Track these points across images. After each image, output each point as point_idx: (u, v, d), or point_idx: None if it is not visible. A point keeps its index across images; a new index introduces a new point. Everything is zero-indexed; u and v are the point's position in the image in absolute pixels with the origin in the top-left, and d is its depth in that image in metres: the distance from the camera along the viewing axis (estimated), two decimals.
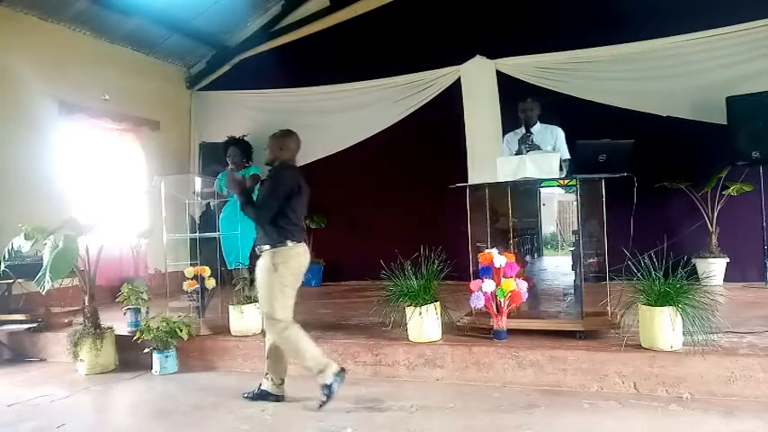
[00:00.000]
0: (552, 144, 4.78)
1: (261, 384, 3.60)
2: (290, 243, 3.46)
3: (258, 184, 5.87)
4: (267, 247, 3.47)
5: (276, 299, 3.42)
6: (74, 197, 6.41)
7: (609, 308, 3.81)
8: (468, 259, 4.07)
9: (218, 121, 7.96)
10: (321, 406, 3.32)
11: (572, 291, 4.49)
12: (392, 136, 7.26)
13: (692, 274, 3.95)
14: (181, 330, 4.27)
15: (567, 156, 4.58)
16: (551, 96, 6.14)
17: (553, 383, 3.51)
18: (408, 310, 3.94)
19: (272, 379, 3.58)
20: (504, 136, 6.58)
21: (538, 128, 4.90)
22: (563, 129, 4.96)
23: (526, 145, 4.72)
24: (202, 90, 8.42)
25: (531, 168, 3.93)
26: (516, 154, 4.61)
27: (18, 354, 5.00)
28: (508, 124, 6.57)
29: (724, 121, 5.72)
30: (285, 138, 3.69)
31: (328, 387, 3.31)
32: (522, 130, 4.94)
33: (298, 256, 3.51)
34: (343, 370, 3.40)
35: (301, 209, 3.60)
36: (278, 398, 3.55)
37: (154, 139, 7.67)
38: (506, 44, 6.71)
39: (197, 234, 4.87)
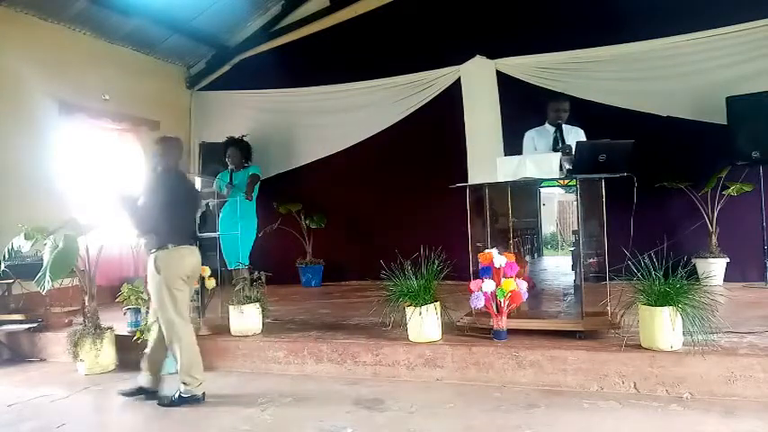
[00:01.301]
0: None
1: (138, 381, 3.71)
2: (171, 246, 3.55)
3: (257, 184, 5.90)
4: (151, 250, 3.59)
5: (166, 300, 3.54)
6: (74, 197, 6.41)
7: (609, 308, 3.80)
8: (468, 259, 4.07)
9: (218, 121, 7.97)
10: (160, 402, 3.57)
11: (572, 291, 4.50)
12: (392, 136, 7.27)
13: (692, 274, 3.95)
14: None
15: None
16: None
17: (553, 383, 3.51)
18: (408, 310, 3.94)
19: (147, 375, 3.70)
20: (503, 135, 6.67)
21: (566, 128, 4.84)
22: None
23: (561, 146, 4.64)
24: (202, 90, 8.43)
25: (531, 168, 3.93)
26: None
27: (18, 354, 5.00)
28: (508, 124, 6.60)
29: (724, 121, 5.72)
30: (167, 143, 3.75)
31: (181, 399, 3.51)
32: (550, 128, 4.88)
33: (181, 258, 3.59)
34: (203, 399, 3.56)
35: (186, 213, 3.69)
36: (150, 394, 3.66)
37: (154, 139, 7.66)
38: (506, 44, 6.71)
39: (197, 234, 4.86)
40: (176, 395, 3.57)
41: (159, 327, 3.71)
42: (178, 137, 3.87)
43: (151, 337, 3.79)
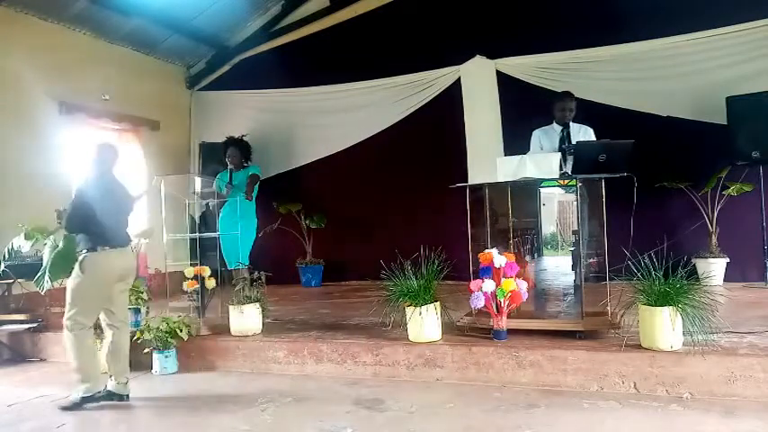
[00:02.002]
0: None
1: (106, 385, 3.73)
2: (100, 249, 3.63)
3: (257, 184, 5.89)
4: (80, 251, 3.65)
5: (75, 301, 3.61)
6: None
7: (609, 308, 3.80)
8: (468, 259, 4.07)
9: (218, 121, 7.96)
10: (64, 407, 3.56)
11: (572, 291, 4.49)
12: (392, 136, 7.27)
13: (692, 274, 3.94)
14: (181, 330, 4.27)
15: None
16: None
17: (553, 383, 3.51)
18: (408, 310, 3.94)
19: (114, 379, 3.73)
20: (503, 135, 6.67)
21: (575, 127, 4.84)
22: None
23: (567, 145, 4.63)
24: (202, 90, 8.43)
25: (531, 168, 3.93)
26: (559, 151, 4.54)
27: (18, 354, 5.00)
28: (508, 124, 6.60)
29: (724, 121, 5.72)
30: (102, 149, 3.87)
31: (84, 399, 3.56)
32: (557, 127, 4.89)
33: (110, 261, 3.67)
34: (109, 396, 3.64)
35: (117, 215, 3.77)
36: (121, 397, 3.70)
37: (154, 139, 7.67)
38: (506, 44, 6.71)
39: (197, 234, 4.87)
40: (103, 391, 3.69)
41: (110, 330, 3.82)
42: (114, 144, 4.01)
43: (105, 341, 3.87)
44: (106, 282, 3.69)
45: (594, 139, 4.77)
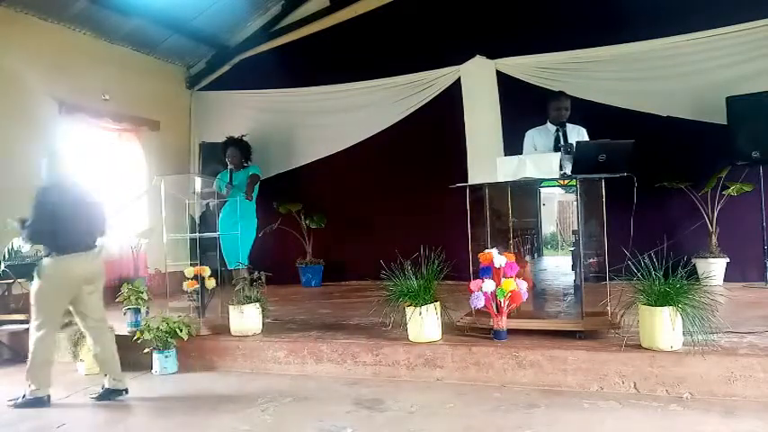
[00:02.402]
0: None
1: (104, 384, 3.79)
2: (56, 255, 3.65)
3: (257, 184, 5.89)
4: (42, 258, 3.71)
5: (39, 305, 3.68)
6: None
7: (609, 308, 3.80)
8: (468, 259, 4.07)
9: (218, 121, 7.97)
10: (14, 405, 3.67)
11: (572, 291, 4.49)
12: (392, 136, 7.28)
13: (692, 274, 3.95)
14: (181, 330, 4.27)
15: None
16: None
17: (553, 383, 3.51)
18: (408, 310, 3.94)
19: (109, 376, 3.79)
20: (503, 135, 6.68)
21: (570, 127, 4.86)
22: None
23: (563, 145, 4.64)
24: (202, 90, 8.43)
25: (530, 168, 3.93)
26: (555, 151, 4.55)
27: (18, 354, 4.99)
28: (508, 124, 6.61)
29: (724, 121, 5.72)
30: (51, 157, 3.89)
31: (29, 402, 3.65)
32: (552, 127, 4.91)
33: (68, 267, 3.67)
34: (46, 401, 3.68)
35: (77, 221, 3.73)
36: (120, 392, 3.77)
37: (154, 139, 7.67)
38: (506, 44, 6.72)
39: (197, 234, 4.87)
40: (102, 390, 3.75)
41: (89, 331, 3.86)
42: (59, 150, 4.04)
43: (88, 342, 3.91)
44: (66, 287, 3.71)
45: (588, 138, 4.79)
